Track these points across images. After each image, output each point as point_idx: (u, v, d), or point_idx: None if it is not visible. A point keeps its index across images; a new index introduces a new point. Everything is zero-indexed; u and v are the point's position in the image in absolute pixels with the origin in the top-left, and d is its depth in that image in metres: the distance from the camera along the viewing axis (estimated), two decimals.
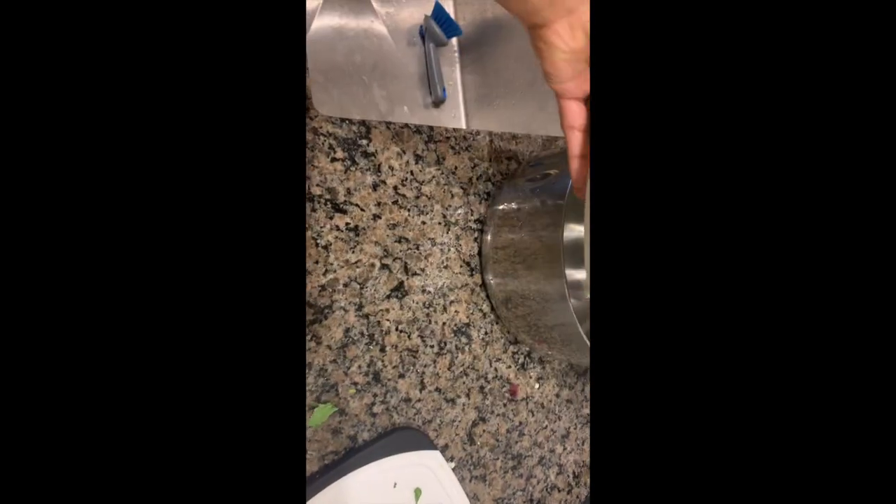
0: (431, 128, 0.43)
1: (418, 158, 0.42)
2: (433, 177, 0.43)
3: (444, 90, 0.78)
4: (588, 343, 0.38)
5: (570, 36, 0.26)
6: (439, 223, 0.43)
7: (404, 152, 0.41)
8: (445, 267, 0.43)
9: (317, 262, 0.36)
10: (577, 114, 0.30)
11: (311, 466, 0.35)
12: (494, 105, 0.76)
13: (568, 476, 0.50)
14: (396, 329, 0.39)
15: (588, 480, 0.52)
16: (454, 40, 0.81)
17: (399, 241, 0.40)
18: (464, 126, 0.78)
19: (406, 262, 0.40)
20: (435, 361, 0.41)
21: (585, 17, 0.25)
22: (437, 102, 0.79)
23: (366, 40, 0.70)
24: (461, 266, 0.44)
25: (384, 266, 0.39)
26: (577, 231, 0.47)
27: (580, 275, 0.50)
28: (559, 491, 0.49)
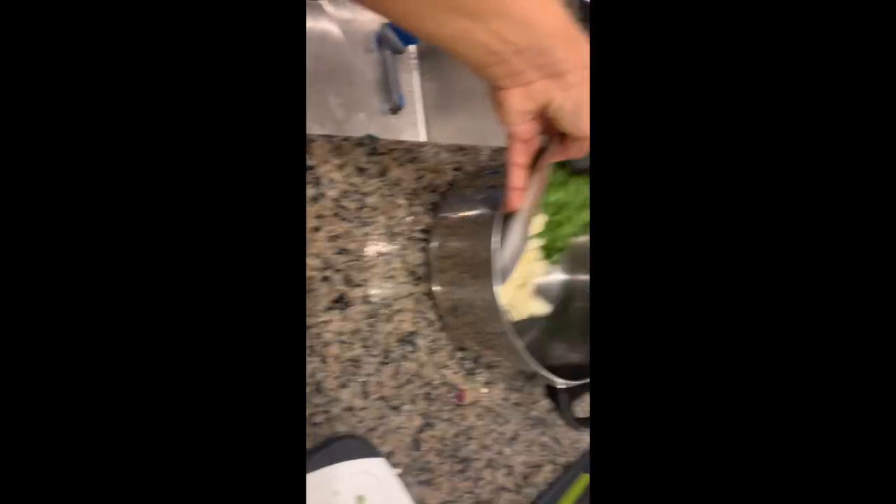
0: (375, 140, 0.43)
1: (360, 171, 0.42)
2: (377, 188, 0.43)
3: (401, 97, 0.79)
4: (520, 351, 0.40)
5: (523, 102, 0.29)
6: (383, 234, 0.43)
7: (345, 165, 0.42)
8: (390, 277, 0.43)
9: None
10: (520, 152, 0.33)
11: None
12: (453, 113, 0.77)
13: (517, 477, 0.52)
14: (338, 340, 0.40)
15: (537, 480, 0.53)
16: (412, 47, 0.82)
17: (340, 253, 0.41)
18: (423, 133, 0.79)
19: (348, 274, 0.41)
20: (379, 370, 0.42)
21: (540, 90, 0.28)
22: (395, 109, 0.80)
23: (321, 47, 0.71)
24: (407, 276, 0.45)
25: (325, 278, 0.40)
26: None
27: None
28: (508, 491, 0.51)
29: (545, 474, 0.54)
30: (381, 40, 0.73)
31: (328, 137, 0.40)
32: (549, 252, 0.53)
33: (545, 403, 0.54)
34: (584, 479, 0.56)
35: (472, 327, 0.44)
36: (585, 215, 0.50)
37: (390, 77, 0.72)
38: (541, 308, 0.51)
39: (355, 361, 0.41)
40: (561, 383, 0.43)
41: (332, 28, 0.70)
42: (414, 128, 0.75)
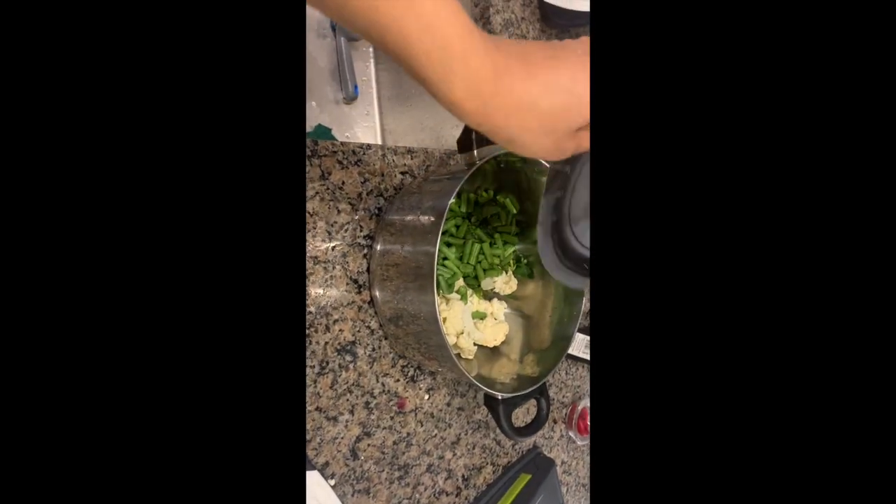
0: (316, 142, 0.41)
1: None
2: (316, 192, 0.41)
3: (356, 87, 0.76)
4: (461, 368, 0.39)
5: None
6: (323, 240, 0.42)
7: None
8: (330, 285, 0.42)
9: None
10: None
11: None
12: (409, 105, 0.75)
13: (457, 480, 0.52)
14: None
15: (477, 482, 0.54)
16: None
17: None
18: (377, 125, 0.77)
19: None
20: (315, 381, 0.41)
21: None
22: (349, 99, 0.77)
23: None
24: (348, 283, 0.43)
25: None
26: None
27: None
28: (447, 495, 0.51)
29: (485, 476, 0.55)
30: (335, 26, 0.70)
31: None
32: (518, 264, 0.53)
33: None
34: (524, 479, 0.57)
35: (414, 337, 0.43)
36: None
37: (345, 65, 0.69)
38: (498, 335, 0.51)
39: None
40: (500, 395, 0.43)
41: None
42: (368, 118, 0.72)
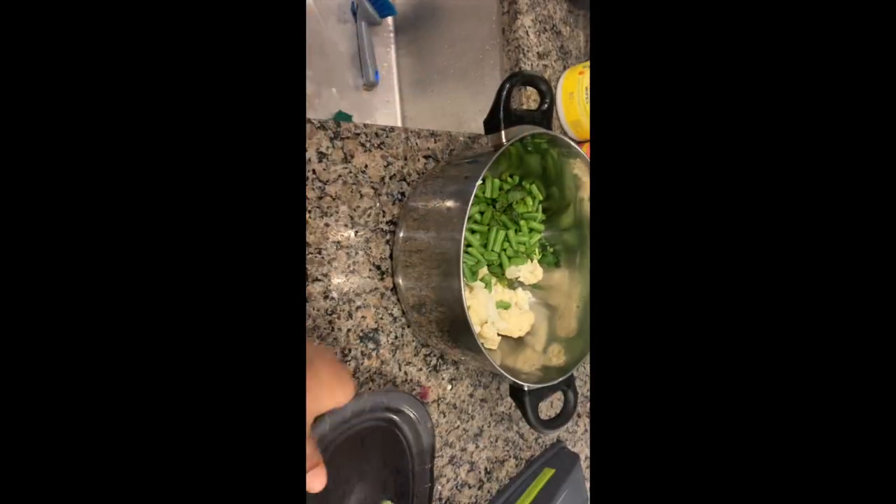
0: (339, 123, 0.40)
1: (322, 156, 0.39)
2: (339, 175, 0.40)
3: (376, 73, 0.75)
4: (487, 356, 0.38)
5: None
6: (345, 225, 0.41)
7: (305, 149, 0.38)
8: (352, 271, 0.41)
9: None
10: None
11: None
12: (429, 91, 0.73)
13: (480, 472, 0.51)
14: None
15: (500, 475, 0.53)
16: (389, 20, 0.77)
17: None
18: (398, 112, 0.76)
19: (307, 268, 0.38)
20: None
21: None
22: (370, 85, 0.76)
23: None
24: (370, 270, 0.42)
25: None
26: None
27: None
28: (469, 487, 0.50)
29: (508, 469, 0.54)
30: (356, 10, 0.68)
31: None
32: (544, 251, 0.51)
33: (511, 400, 0.53)
34: (547, 474, 0.56)
35: (437, 325, 0.42)
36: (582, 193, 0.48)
37: (365, 51, 0.68)
38: (523, 325, 0.49)
39: None
40: (526, 385, 0.42)
41: None
42: (389, 105, 0.71)
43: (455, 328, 0.40)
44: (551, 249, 0.52)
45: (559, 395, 0.47)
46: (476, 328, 0.45)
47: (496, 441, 0.53)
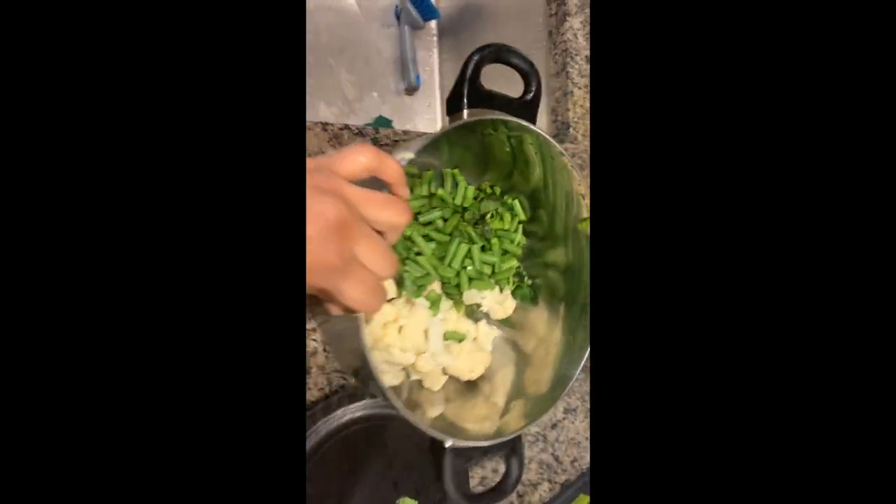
0: (377, 129, 0.39)
1: None
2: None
3: (418, 77, 0.74)
4: (384, 390, 0.28)
5: None
6: None
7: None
8: None
9: None
10: None
11: None
12: None
13: (511, 496, 0.49)
14: (325, 350, 0.37)
15: (532, 500, 0.50)
16: (432, 24, 0.76)
17: None
18: (439, 117, 0.75)
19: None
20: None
21: None
22: (411, 89, 0.75)
23: (334, 20, 0.66)
24: None
25: None
26: None
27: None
28: None
29: (541, 493, 0.51)
30: (399, 14, 0.68)
31: (324, 125, 0.37)
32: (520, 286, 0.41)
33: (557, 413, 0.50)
34: (583, 501, 0.53)
35: (333, 345, 0.35)
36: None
37: (408, 55, 0.67)
38: (475, 366, 0.39)
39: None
40: (450, 440, 0.31)
41: None
42: (430, 110, 0.70)
43: (347, 345, 0.30)
44: (528, 281, 0.41)
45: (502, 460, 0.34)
46: (406, 357, 0.34)
47: (529, 463, 0.50)
